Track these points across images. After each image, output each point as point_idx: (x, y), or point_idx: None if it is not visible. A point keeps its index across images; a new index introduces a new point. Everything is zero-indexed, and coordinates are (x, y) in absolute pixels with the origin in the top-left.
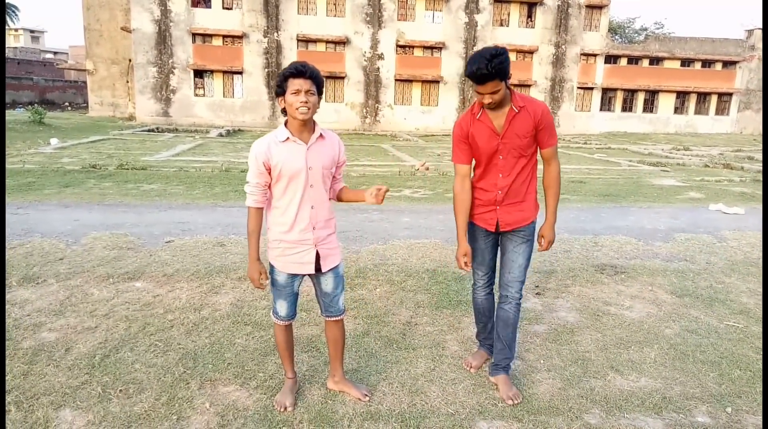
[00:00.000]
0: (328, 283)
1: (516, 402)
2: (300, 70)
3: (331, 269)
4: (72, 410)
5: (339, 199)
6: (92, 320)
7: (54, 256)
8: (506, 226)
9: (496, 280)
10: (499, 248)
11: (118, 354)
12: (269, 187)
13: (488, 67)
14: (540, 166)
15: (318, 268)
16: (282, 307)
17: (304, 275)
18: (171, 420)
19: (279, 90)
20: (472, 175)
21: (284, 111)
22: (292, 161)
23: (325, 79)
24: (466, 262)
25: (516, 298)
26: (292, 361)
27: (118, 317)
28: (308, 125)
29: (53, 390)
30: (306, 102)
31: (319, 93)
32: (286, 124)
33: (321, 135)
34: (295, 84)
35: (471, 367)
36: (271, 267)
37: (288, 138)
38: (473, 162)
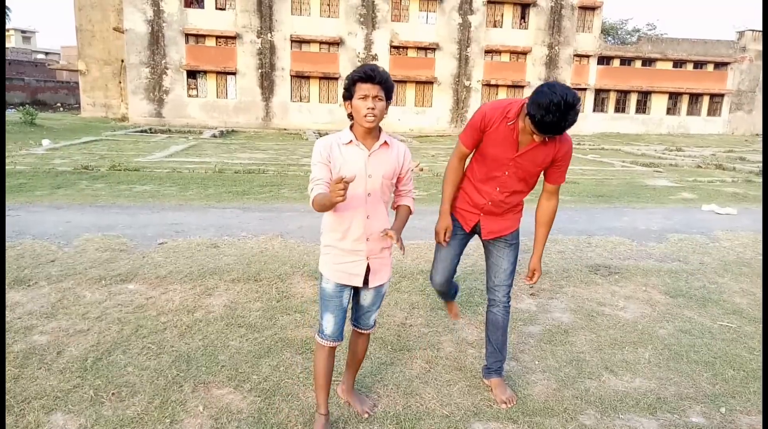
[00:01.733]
0: (367, 298)
1: (511, 405)
2: (369, 75)
3: (376, 286)
4: (64, 414)
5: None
6: (84, 323)
7: (45, 258)
8: (489, 234)
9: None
10: (463, 250)
11: (110, 357)
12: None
13: (560, 125)
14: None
15: (366, 282)
16: (329, 323)
17: (353, 287)
18: (164, 423)
19: (346, 94)
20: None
21: (350, 115)
22: (352, 166)
23: (318, 80)
24: (445, 237)
25: (504, 302)
26: (328, 394)
27: (110, 320)
28: (373, 131)
29: (44, 393)
30: (373, 108)
31: (388, 98)
32: (351, 127)
33: (386, 142)
34: (363, 89)
35: (457, 315)
36: (320, 275)
37: (351, 141)
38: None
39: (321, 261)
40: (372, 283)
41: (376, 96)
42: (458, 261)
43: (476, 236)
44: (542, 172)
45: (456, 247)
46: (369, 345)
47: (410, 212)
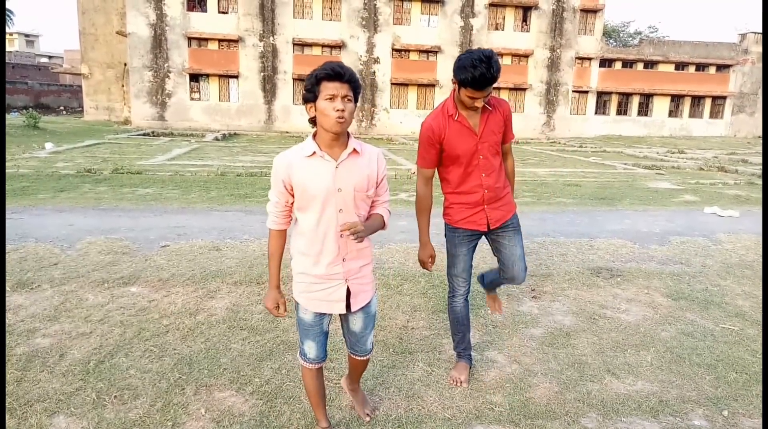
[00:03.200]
0: (356, 323)
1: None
2: (338, 72)
3: (361, 308)
4: (66, 417)
5: None
6: (87, 326)
7: (48, 261)
8: (496, 222)
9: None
10: (475, 251)
11: (112, 360)
12: (292, 207)
13: (490, 72)
14: None
15: (348, 306)
16: (310, 349)
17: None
18: (166, 426)
19: (309, 95)
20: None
21: (312, 121)
22: (318, 181)
23: None
24: (430, 264)
25: (521, 277)
26: (325, 407)
27: (113, 322)
28: (341, 138)
29: (47, 396)
30: (343, 110)
31: (356, 100)
32: (314, 135)
33: (355, 150)
34: (329, 88)
35: (461, 382)
36: (296, 304)
37: (314, 153)
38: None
39: (294, 289)
40: (354, 307)
41: (345, 96)
42: (472, 268)
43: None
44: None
45: (472, 257)
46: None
47: (383, 223)
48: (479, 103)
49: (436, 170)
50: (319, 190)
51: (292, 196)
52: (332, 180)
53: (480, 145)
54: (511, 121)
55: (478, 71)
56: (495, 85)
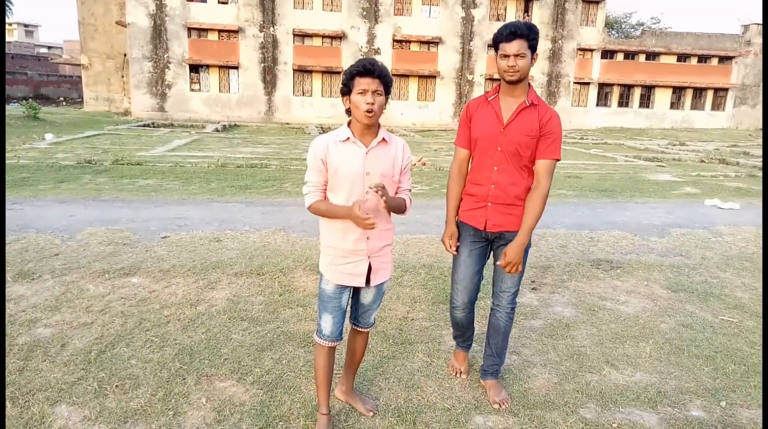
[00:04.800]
0: (367, 297)
1: (504, 406)
2: (369, 69)
3: (377, 284)
4: (68, 406)
5: None
6: (88, 316)
7: (49, 252)
8: (494, 226)
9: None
10: (485, 262)
11: (114, 350)
12: (326, 187)
13: (519, 24)
14: None
15: (367, 281)
16: (327, 324)
17: (353, 288)
18: (167, 415)
19: (344, 89)
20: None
21: (348, 111)
22: (350, 164)
23: (321, 74)
24: (451, 244)
25: (507, 308)
26: (329, 393)
27: (114, 313)
28: (372, 128)
29: (49, 386)
30: (372, 103)
31: (387, 93)
32: (349, 124)
33: (384, 139)
34: (362, 83)
35: (460, 373)
36: (320, 276)
37: (348, 138)
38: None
39: (321, 262)
40: (374, 282)
41: (376, 91)
42: (480, 279)
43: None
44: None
45: (475, 262)
46: (369, 340)
47: (405, 207)
48: (510, 62)
49: (469, 156)
50: (350, 171)
51: (327, 176)
52: (362, 164)
53: (502, 135)
54: (555, 137)
55: (508, 29)
56: (496, 77)
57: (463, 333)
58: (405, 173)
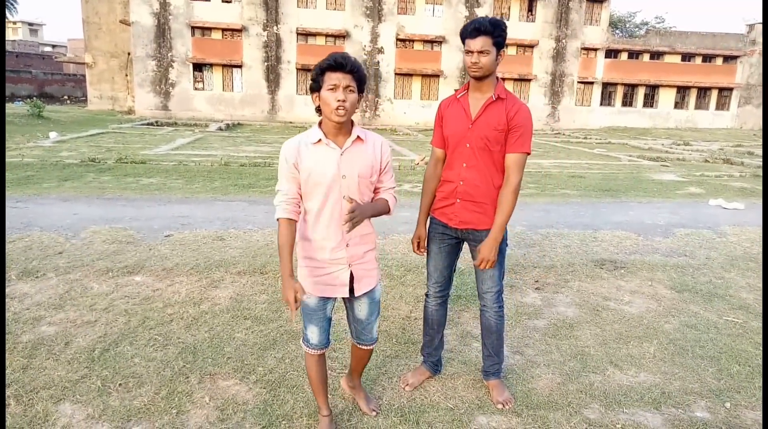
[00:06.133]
0: (361, 309)
1: (508, 406)
2: (340, 63)
3: (366, 293)
4: (72, 404)
5: None
6: (92, 314)
7: (53, 250)
8: (461, 223)
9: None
10: (457, 257)
11: (117, 348)
12: (300, 196)
13: (483, 21)
14: None
15: (351, 291)
16: (313, 334)
17: (337, 298)
18: (170, 414)
19: (314, 85)
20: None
21: (319, 110)
22: (323, 167)
23: None
24: (418, 245)
25: (494, 308)
26: (327, 395)
27: (117, 311)
28: (345, 126)
29: (53, 384)
30: (344, 101)
31: (360, 90)
32: (320, 124)
33: (359, 137)
34: (332, 78)
35: (407, 385)
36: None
37: (320, 140)
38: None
39: (299, 273)
40: (359, 291)
41: (348, 86)
42: (451, 272)
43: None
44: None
45: (444, 257)
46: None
47: (388, 208)
48: (474, 59)
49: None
50: (324, 176)
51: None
52: (337, 167)
53: (470, 131)
54: (524, 130)
55: (475, 22)
56: (499, 76)
57: (432, 338)
58: (386, 173)
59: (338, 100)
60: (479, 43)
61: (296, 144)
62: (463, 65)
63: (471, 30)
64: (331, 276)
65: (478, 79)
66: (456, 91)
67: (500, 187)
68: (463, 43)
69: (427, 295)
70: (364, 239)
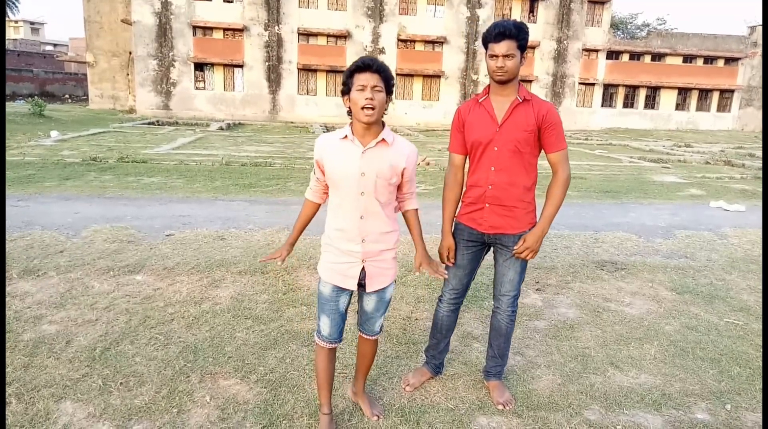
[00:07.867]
0: (369, 303)
1: (508, 407)
2: (367, 64)
3: (376, 291)
4: (73, 402)
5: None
6: (93, 313)
7: (54, 249)
8: (490, 228)
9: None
10: (479, 264)
11: (118, 347)
12: (326, 186)
13: (507, 25)
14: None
15: (362, 285)
16: (325, 325)
17: (351, 291)
18: (171, 413)
19: (344, 88)
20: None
21: (350, 112)
22: (344, 163)
23: (325, 74)
24: (449, 256)
25: (507, 311)
26: (330, 393)
27: (118, 310)
28: (373, 127)
29: (54, 382)
30: (372, 99)
31: (388, 92)
32: (351, 124)
33: (384, 140)
34: (360, 79)
35: (408, 385)
36: (319, 277)
37: (347, 136)
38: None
39: (320, 260)
40: (370, 288)
41: (375, 86)
42: (470, 280)
43: (491, 251)
44: (536, 143)
45: (467, 264)
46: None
47: (417, 214)
48: (499, 63)
49: (467, 159)
50: (343, 171)
51: (324, 173)
52: (357, 164)
53: (498, 134)
54: (558, 128)
55: (495, 26)
56: None
57: (439, 342)
58: (410, 181)
59: (366, 98)
60: (504, 47)
61: (324, 140)
62: (465, 66)
63: (496, 34)
64: (344, 266)
65: (503, 82)
66: (476, 95)
67: (530, 188)
68: (486, 47)
69: (440, 299)
70: (383, 237)
